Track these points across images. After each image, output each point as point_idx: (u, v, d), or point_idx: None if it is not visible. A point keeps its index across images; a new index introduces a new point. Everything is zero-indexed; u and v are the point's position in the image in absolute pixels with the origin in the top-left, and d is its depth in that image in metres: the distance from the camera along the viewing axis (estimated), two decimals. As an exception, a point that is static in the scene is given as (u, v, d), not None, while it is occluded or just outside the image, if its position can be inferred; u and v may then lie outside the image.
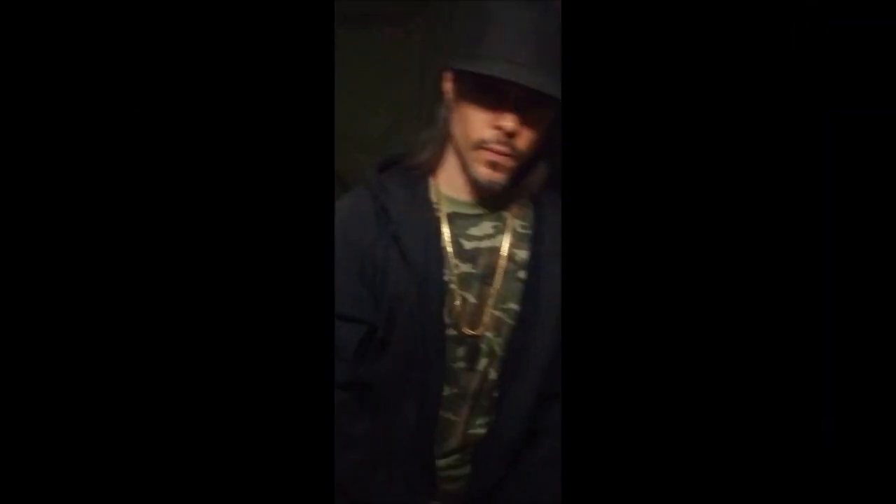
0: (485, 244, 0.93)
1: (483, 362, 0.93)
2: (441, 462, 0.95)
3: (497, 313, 0.92)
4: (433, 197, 0.94)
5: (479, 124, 0.86)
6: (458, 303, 0.91)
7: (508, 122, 0.84)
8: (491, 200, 0.94)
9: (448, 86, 0.91)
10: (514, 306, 0.92)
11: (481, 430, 0.94)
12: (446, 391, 0.92)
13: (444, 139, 0.93)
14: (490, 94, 0.85)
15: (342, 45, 0.99)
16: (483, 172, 0.88)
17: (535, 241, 0.94)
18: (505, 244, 0.93)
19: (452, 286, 0.91)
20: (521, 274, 0.93)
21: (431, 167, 0.95)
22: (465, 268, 0.92)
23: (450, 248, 0.92)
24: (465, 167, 0.91)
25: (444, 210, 0.93)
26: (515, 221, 0.95)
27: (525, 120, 0.86)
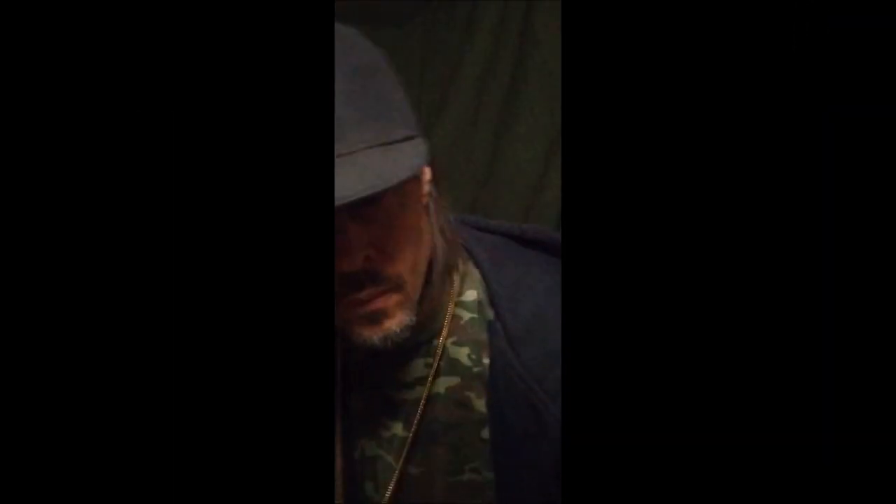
0: (418, 392, 0.66)
1: None
2: None
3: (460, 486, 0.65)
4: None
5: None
6: (391, 479, 0.65)
7: (346, 260, 0.59)
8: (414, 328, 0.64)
9: None
10: (477, 475, 0.66)
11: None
12: None
13: None
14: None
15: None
16: (367, 334, 0.61)
17: (491, 381, 0.65)
18: (450, 386, 0.66)
19: (376, 455, 0.67)
20: (485, 433, 0.65)
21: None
22: (396, 429, 0.67)
23: (371, 406, 0.67)
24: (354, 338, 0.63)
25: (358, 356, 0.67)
26: (459, 351, 0.66)
27: (376, 238, 0.60)
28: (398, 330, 0.62)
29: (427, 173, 0.66)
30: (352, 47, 0.63)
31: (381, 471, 0.66)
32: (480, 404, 0.65)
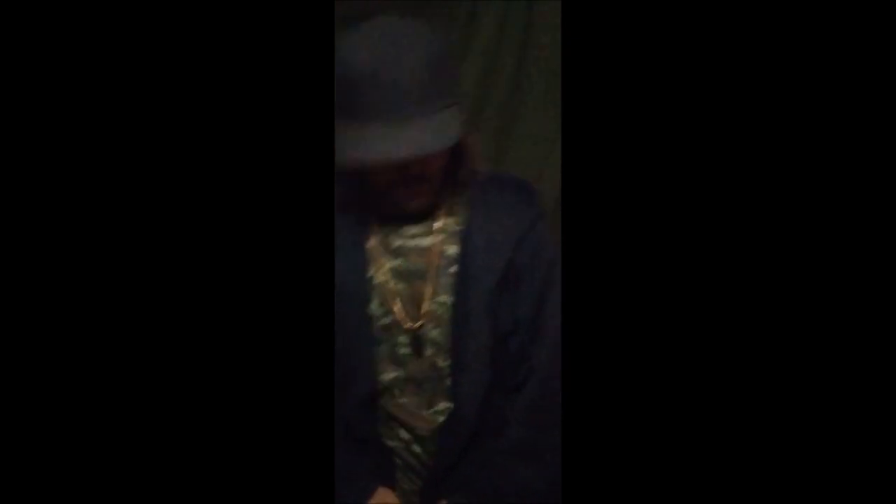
0: (413, 242, 0.98)
1: (429, 350, 0.96)
2: (399, 446, 0.99)
3: (432, 307, 0.96)
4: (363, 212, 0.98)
5: (384, 178, 0.90)
6: (390, 296, 0.96)
7: (411, 170, 0.87)
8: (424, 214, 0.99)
9: None
10: (447, 299, 0.96)
11: (440, 418, 0.97)
12: (391, 374, 0.96)
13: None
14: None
15: (342, 46, 0.99)
16: (406, 205, 0.93)
17: (464, 237, 0.97)
18: (435, 241, 0.97)
19: (380, 280, 0.96)
20: (452, 269, 0.97)
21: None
22: (395, 263, 0.97)
23: (377, 245, 0.97)
24: (392, 205, 0.95)
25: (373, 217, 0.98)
26: (448, 220, 0.99)
27: (425, 157, 0.88)
28: (427, 203, 0.95)
29: (474, 143, 0.97)
30: (423, 35, 0.87)
31: (386, 293, 0.97)
32: (450, 252, 0.97)
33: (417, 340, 0.97)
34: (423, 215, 0.98)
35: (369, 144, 0.84)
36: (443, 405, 0.97)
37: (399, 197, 0.93)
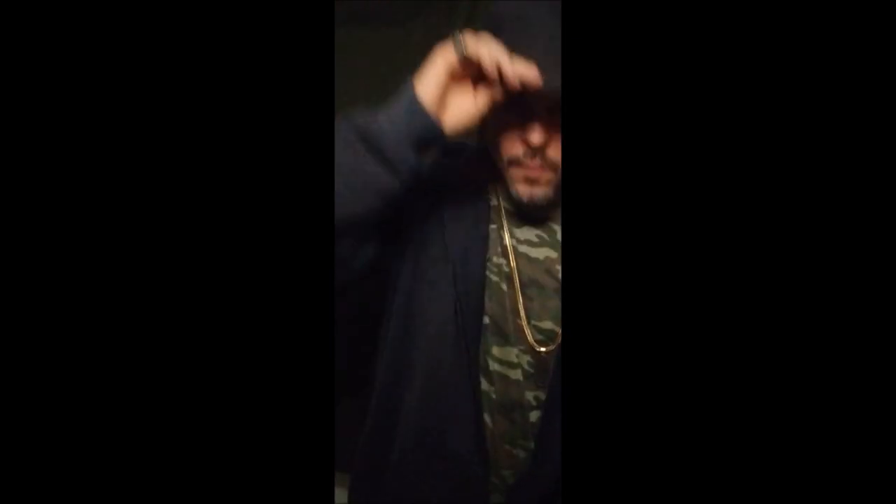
0: (522, 248, 0.88)
1: (515, 373, 0.86)
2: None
3: (529, 330, 0.86)
4: (489, 188, 0.90)
5: (508, 141, 0.82)
6: (490, 294, 0.86)
7: (535, 136, 0.79)
8: (544, 209, 0.88)
9: None
10: (549, 325, 0.86)
11: (520, 454, 0.87)
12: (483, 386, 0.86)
13: (481, 153, 0.88)
14: (514, 104, 0.79)
15: (342, 45, 0.99)
16: (522, 190, 0.84)
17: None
18: (549, 254, 0.87)
19: (490, 276, 0.87)
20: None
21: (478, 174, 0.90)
22: (502, 262, 0.88)
23: (492, 236, 0.88)
24: (508, 189, 0.86)
25: (494, 202, 0.89)
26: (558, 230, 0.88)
27: (555, 128, 0.80)
28: (542, 197, 0.84)
29: None
30: None
31: (488, 292, 0.86)
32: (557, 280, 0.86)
33: (541, 365, 0.85)
34: (541, 216, 0.87)
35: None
36: (522, 442, 0.86)
37: (515, 179, 0.83)
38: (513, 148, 0.82)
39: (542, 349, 0.86)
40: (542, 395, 0.86)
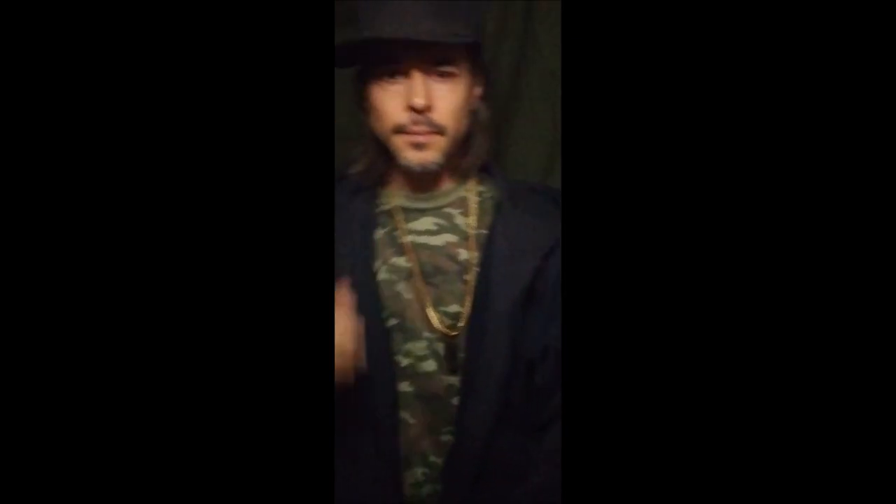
0: (422, 240, 0.90)
1: (429, 364, 0.87)
2: (405, 475, 0.87)
3: (438, 316, 0.87)
4: (380, 198, 0.92)
5: (391, 109, 0.83)
6: (390, 295, 0.87)
7: (417, 97, 0.81)
8: (438, 194, 0.91)
9: (356, 83, 0.88)
10: (456, 309, 0.87)
11: (445, 439, 0.87)
12: (401, 387, 0.87)
13: (374, 143, 0.89)
14: (389, 70, 0.82)
15: (342, 46, 0.98)
16: (411, 157, 0.85)
17: (487, 242, 0.88)
18: (448, 241, 0.89)
19: (382, 277, 0.88)
20: (467, 276, 0.88)
21: (378, 177, 0.92)
22: (399, 261, 0.89)
23: (383, 240, 0.89)
24: (394, 159, 0.87)
25: (386, 206, 0.91)
26: (464, 220, 0.90)
27: (437, 90, 0.83)
28: (432, 161, 0.85)
29: (480, 87, 0.89)
30: None
31: (387, 295, 0.88)
32: (465, 255, 0.89)
33: (450, 350, 0.86)
34: (437, 206, 0.89)
35: (379, 30, 0.78)
36: (445, 429, 0.86)
37: (402, 147, 0.84)
38: (395, 116, 0.83)
39: (454, 333, 0.87)
40: (456, 380, 0.87)
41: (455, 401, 0.87)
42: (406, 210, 0.91)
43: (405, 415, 0.87)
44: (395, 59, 0.82)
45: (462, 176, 0.92)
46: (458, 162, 0.90)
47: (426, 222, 0.91)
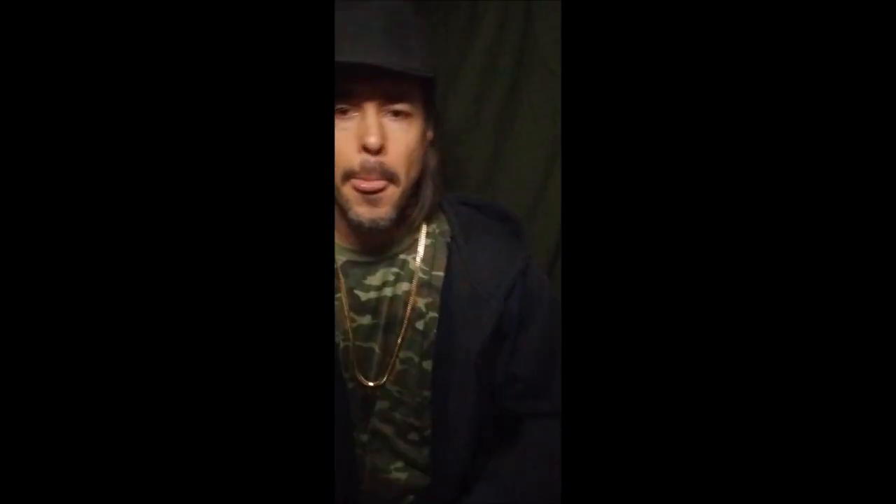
0: (385, 292, 0.87)
1: (393, 415, 0.89)
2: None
3: (400, 366, 0.87)
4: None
5: (342, 151, 0.77)
6: (356, 358, 0.86)
7: (371, 136, 0.75)
8: (385, 244, 0.88)
9: None
10: (413, 356, 0.87)
11: (416, 481, 0.90)
12: (363, 438, 0.89)
13: None
14: (342, 107, 0.77)
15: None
16: (361, 212, 0.80)
17: (444, 288, 0.86)
18: (405, 290, 0.87)
19: (346, 343, 0.86)
20: (419, 324, 0.87)
21: None
22: (363, 320, 0.87)
23: (345, 301, 0.86)
24: (343, 211, 0.81)
25: (336, 262, 0.87)
26: (417, 265, 0.88)
27: (391, 129, 0.78)
28: (385, 217, 0.80)
29: (432, 130, 0.86)
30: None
31: (351, 352, 0.86)
32: (421, 303, 0.87)
33: (366, 402, 0.87)
34: (386, 255, 0.86)
35: (341, 44, 0.73)
36: (416, 471, 0.89)
37: (352, 200, 0.79)
38: (347, 159, 0.78)
39: (372, 384, 0.88)
40: (418, 421, 0.89)
41: (426, 451, 0.89)
42: (355, 265, 0.88)
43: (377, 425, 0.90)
44: (347, 92, 0.77)
45: (409, 226, 0.89)
46: (409, 213, 0.86)
47: (386, 274, 0.88)
